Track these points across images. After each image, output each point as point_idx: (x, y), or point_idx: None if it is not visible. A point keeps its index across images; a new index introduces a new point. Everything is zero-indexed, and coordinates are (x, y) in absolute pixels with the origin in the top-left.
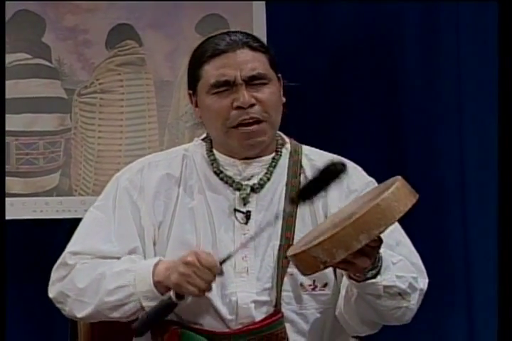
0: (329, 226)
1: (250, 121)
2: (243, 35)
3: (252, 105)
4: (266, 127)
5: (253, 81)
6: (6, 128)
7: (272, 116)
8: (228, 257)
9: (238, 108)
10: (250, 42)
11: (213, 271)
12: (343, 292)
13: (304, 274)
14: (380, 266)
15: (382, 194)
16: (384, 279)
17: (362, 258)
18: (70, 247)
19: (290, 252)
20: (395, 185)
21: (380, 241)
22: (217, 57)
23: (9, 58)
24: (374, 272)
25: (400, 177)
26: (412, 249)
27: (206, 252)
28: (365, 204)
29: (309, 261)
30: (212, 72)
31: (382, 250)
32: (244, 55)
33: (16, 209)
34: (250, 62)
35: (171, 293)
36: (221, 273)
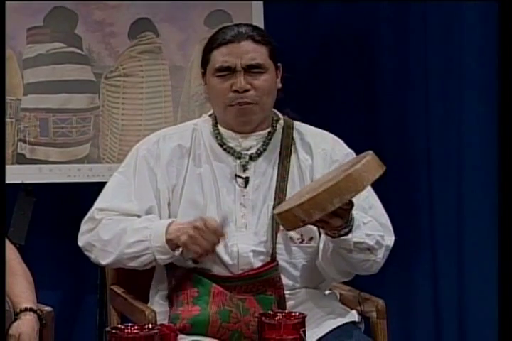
0: (310, 190)
1: (243, 103)
2: (249, 28)
3: (246, 90)
4: (256, 109)
5: (251, 69)
6: (46, 106)
7: (262, 100)
8: (224, 220)
9: (235, 91)
10: (254, 35)
11: (217, 234)
12: (321, 246)
13: (287, 229)
14: (352, 225)
15: (354, 165)
16: (355, 236)
17: (335, 218)
18: (97, 204)
19: (275, 211)
20: (366, 158)
21: (351, 204)
22: (223, 46)
23: (47, 47)
24: (346, 230)
25: (371, 151)
26: (383, 211)
27: (213, 218)
28: (340, 173)
29: (291, 219)
30: (218, 58)
31: (355, 212)
32: (247, 46)
33: (54, 174)
34: (251, 52)
35: (180, 251)
36: (223, 236)
